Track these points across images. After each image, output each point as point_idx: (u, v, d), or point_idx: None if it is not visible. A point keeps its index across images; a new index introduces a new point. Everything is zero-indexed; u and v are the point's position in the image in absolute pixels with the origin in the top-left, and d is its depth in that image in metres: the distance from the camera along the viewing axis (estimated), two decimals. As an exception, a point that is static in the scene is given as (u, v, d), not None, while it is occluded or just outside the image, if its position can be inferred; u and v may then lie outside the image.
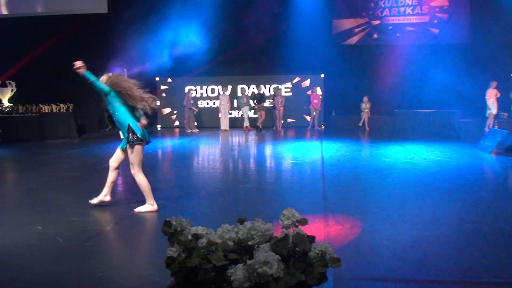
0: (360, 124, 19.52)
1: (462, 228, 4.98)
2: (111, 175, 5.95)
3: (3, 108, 16.78)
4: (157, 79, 21.21)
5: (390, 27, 20.93)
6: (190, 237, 2.69)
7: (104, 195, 5.97)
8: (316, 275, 2.54)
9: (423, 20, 20.58)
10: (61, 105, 17.25)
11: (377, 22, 21.05)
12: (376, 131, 18.09)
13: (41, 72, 19.36)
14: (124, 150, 5.83)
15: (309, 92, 20.07)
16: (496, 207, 5.99)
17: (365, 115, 19.49)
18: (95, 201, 5.98)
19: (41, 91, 18.63)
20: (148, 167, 10.25)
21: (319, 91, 20.25)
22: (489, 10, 18.95)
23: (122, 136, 5.91)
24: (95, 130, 19.78)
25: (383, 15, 20.95)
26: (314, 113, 19.77)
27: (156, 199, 5.86)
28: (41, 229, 4.98)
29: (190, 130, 19.14)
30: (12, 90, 17.55)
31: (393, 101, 19.81)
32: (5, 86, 17.50)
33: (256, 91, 19.69)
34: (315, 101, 19.71)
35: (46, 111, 16.79)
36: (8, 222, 5.36)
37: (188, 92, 19.86)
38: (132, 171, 5.81)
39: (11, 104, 17.10)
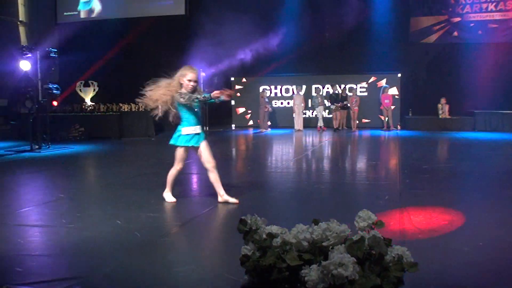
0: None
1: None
2: (211, 176, 6.07)
3: (86, 107, 17.60)
4: (232, 79, 21.50)
5: (472, 25, 20.08)
6: (264, 236, 2.70)
7: (221, 196, 6.05)
8: (393, 279, 2.48)
9: (507, 16, 19.61)
10: (140, 104, 17.82)
11: (457, 19, 20.27)
12: (454, 132, 17.44)
13: (121, 73, 20.12)
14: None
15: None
16: None
17: (446, 114, 18.89)
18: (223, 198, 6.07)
19: (121, 90, 19.35)
20: (223, 165, 10.42)
21: (391, 90, 19.77)
22: None
23: (198, 132, 6.25)
24: (172, 129, 20.25)
25: (464, 12, 20.15)
26: (387, 113, 19.31)
27: (231, 196, 6.00)
28: (120, 223, 5.16)
29: (262, 129, 19.22)
30: (94, 90, 18.39)
31: (473, 101, 19.04)
32: (88, 86, 18.36)
33: (331, 91, 19.49)
34: (386, 101, 19.23)
35: (126, 110, 17.44)
36: (90, 215, 5.59)
37: (262, 91, 19.98)
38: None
39: (93, 103, 17.90)
